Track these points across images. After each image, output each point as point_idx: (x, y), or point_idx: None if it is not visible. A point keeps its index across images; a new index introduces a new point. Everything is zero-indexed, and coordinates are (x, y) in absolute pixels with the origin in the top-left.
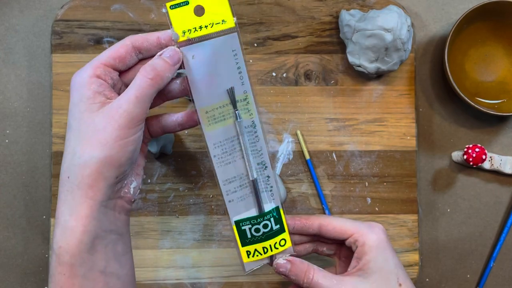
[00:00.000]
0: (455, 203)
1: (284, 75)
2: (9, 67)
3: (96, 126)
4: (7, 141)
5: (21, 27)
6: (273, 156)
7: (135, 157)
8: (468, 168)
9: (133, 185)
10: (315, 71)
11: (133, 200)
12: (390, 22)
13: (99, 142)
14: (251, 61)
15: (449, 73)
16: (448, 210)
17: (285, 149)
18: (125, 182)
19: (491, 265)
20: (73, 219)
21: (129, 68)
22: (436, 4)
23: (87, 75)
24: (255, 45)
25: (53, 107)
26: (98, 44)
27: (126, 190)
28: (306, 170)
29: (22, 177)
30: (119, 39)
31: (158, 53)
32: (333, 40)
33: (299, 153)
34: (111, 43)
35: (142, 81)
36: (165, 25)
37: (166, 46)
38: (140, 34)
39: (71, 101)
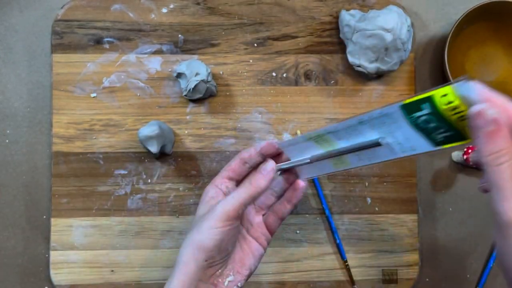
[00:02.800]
0: (455, 203)
1: (284, 75)
2: (9, 67)
3: (202, 218)
4: (7, 141)
5: (21, 27)
6: None
7: (223, 247)
8: (468, 168)
9: (229, 279)
10: (315, 71)
11: None
12: (390, 22)
13: (198, 229)
14: (251, 61)
15: (449, 73)
16: (448, 210)
17: None
18: (219, 272)
19: (491, 265)
20: (170, 286)
21: (243, 177)
22: (436, 4)
23: (210, 186)
24: (255, 45)
25: (53, 107)
26: (98, 44)
27: (220, 280)
28: None
29: (22, 177)
30: (119, 39)
31: (259, 168)
32: (333, 40)
33: None
34: (111, 43)
35: (241, 190)
36: (165, 25)
37: (266, 153)
38: (246, 149)
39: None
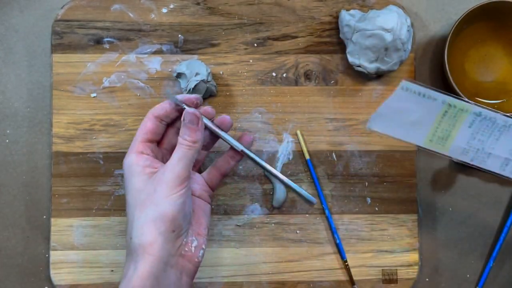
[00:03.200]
0: (455, 203)
1: (284, 75)
2: (9, 67)
3: (148, 191)
4: (7, 141)
5: (21, 27)
6: (273, 156)
7: (186, 210)
8: (468, 168)
9: (194, 244)
10: (315, 71)
11: (196, 260)
12: (390, 22)
13: (152, 203)
14: (251, 61)
15: (448, 73)
16: (448, 210)
17: (285, 149)
18: (185, 240)
19: (491, 265)
20: (136, 275)
21: (163, 136)
22: (436, 4)
23: (133, 155)
24: (255, 45)
25: (53, 107)
26: (98, 44)
27: (186, 249)
28: (306, 170)
29: (23, 177)
30: (119, 39)
31: (185, 121)
32: (333, 40)
33: (299, 153)
34: (111, 43)
35: (181, 148)
36: (165, 25)
37: (179, 108)
38: (157, 106)
39: (125, 181)
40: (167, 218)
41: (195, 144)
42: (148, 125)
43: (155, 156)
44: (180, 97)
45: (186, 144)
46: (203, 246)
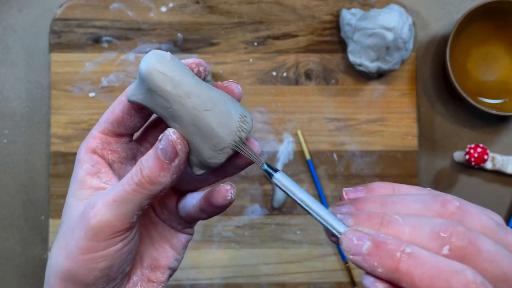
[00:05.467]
0: None
1: (285, 74)
2: (7, 67)
3: (71, 223)
4: (5, 141)
5: (19, 26)
6: (273, 156)
7: (113, 273)
8: (469, 168)
9: None
10: (315, 70)
11: None
12: (391, 21)
13: (65, 248)
14: (251, 60)
15: (450, 73)
16: None
17: (285, 149)
18: None
19: None
20: None
21: (148, 130)
22: (438, 3)
23: (83, 148)
24: (255, 44)
25: (51, 107)
26: (96, 43)
27: None
28: (307, 170)
29: (21, 177)
30: (118, 38)
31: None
32: (333, 39)
33: (299, 153)
34: (109, 42)
35: (127, 182)
36: (164, 24)
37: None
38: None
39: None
40: (77, 282)
41: (151, 186)
42: (116, 111)
43: (119, 161)
44: (186, 61)
45: (137, 180)
46: None
